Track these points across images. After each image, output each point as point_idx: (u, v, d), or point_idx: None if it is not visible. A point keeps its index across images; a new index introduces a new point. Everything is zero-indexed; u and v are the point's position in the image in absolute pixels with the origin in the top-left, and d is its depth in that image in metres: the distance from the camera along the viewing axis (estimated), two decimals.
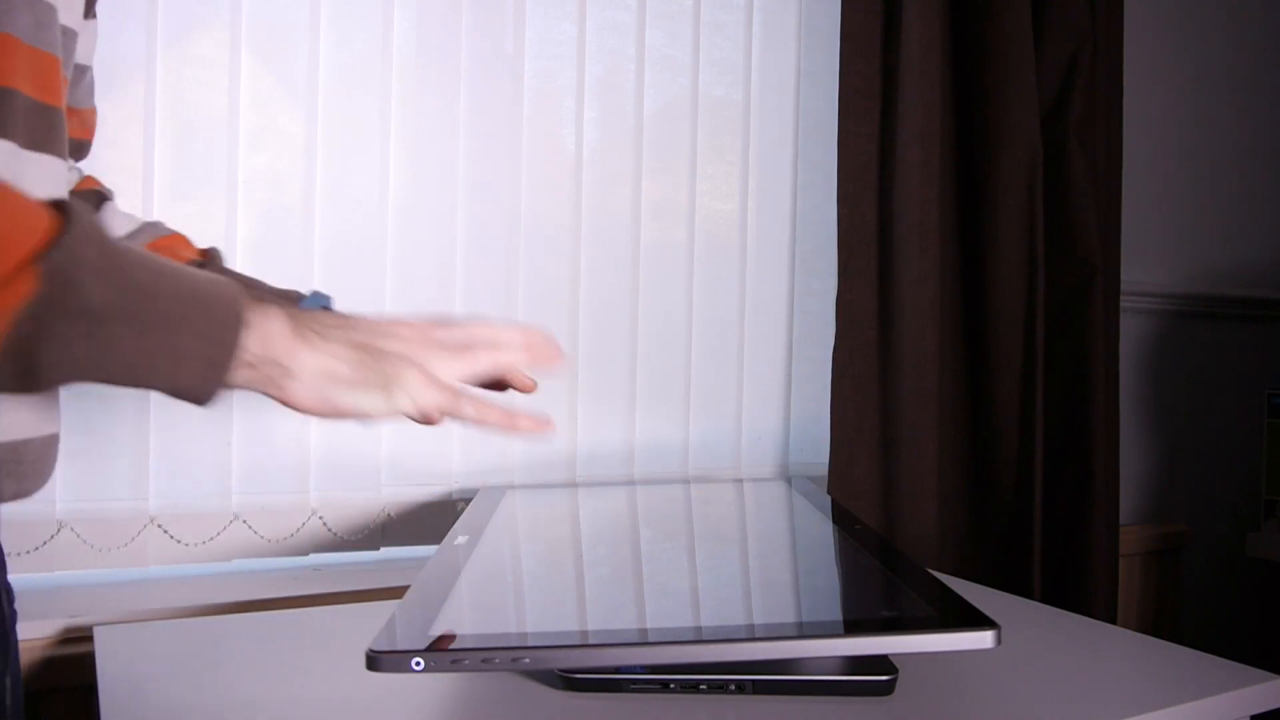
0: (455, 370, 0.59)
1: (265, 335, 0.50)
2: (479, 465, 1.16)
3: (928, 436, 1.28)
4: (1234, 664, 0.76)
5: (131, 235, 0.76)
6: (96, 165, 0.96)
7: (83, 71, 0.74)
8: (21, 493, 0.58)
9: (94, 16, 0.74)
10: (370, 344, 0.55)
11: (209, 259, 0.77)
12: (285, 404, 0.53)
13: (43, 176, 0.57)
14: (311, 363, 0.52)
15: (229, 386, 0.50)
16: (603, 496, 1.05)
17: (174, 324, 0.47)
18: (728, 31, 1.30)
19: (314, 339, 0.53)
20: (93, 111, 0.79)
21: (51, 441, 0.61)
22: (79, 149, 0.79)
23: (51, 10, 0.57)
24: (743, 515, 0.96)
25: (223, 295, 0.49)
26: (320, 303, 0.76)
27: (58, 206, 0.45)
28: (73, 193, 0.76)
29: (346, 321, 0.57)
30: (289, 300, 0.75)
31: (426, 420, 0.56)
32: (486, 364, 0.60)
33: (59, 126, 0.59)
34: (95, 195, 0.77)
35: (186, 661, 0.74)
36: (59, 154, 0.59)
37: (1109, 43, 1.45)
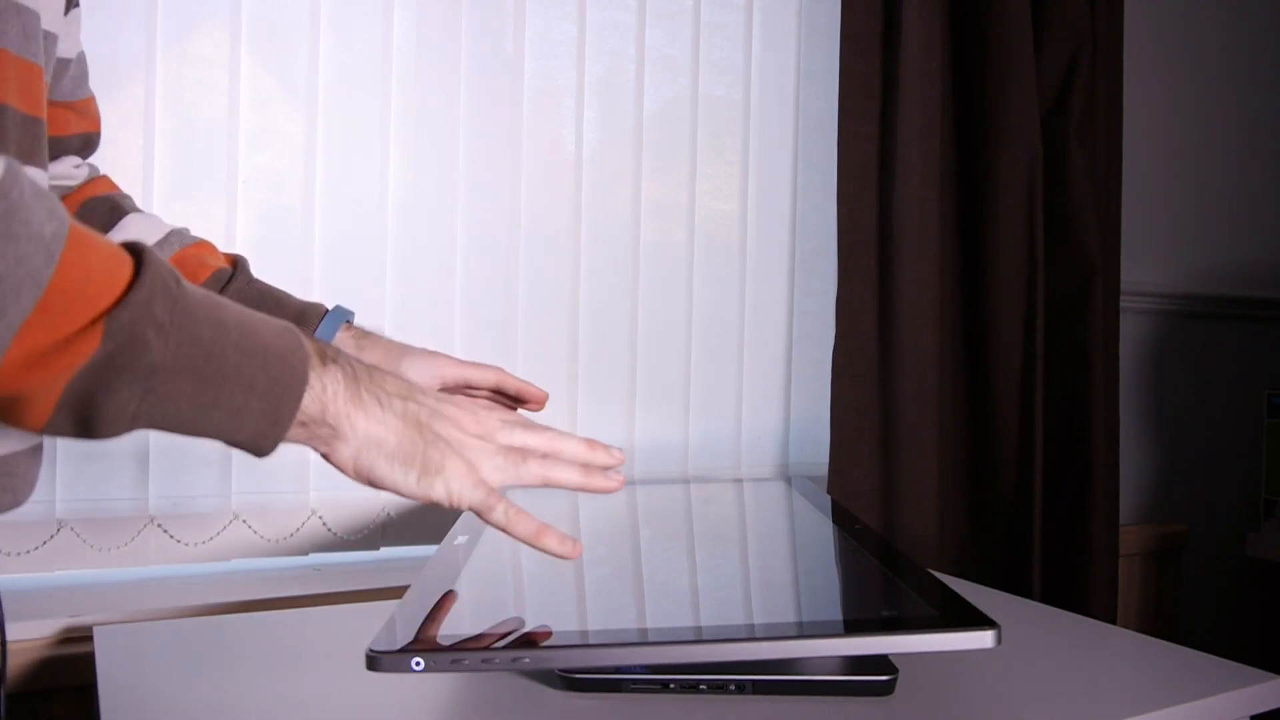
0: (503, 476, 0.58)
1: (324, 398, 0.51)
2: None
3: (927, 436, 1.28)
4: (1234, 664, 0.76)
5: (159, 244, 0.75)
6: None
7: (66, 64, 0.72)
8: (15, 503, 0.58)
9: (76, 6, 0.72)
10: (427, 423, 0.55)
11: (237, 268, 0.76)
12: (326, 459, 0.54)
13: None
14: (362, 429, 0.53)
15: (289, 440, 0.51)
16: (602, 496, 1.05)
17: (236, 382, 0.47)
18: (727, 31, 1.30)
19: (370, 405, 0.53)
20: (91, 100, 0.78)
21: (38, 451, 0.61)
22: (87, 144, 0.78)
23: (35, 17, 0.57)
24: (742, 515, 0.96)
25: (285, 353, 0.49)
26: (343, 317, 0.76)
27: (134, 253, 0.45)
28: (85, 201, 0.75)
29: (411, 392, 0.57)
30: (314, 314, 0.75)
31: (456, 505, 0.57)
32: (535, 478, 0.59)
33: (42, 138, 0.59)
34: (108, 204, 0.76)
35: (186, 661, 0.73)
36: (43, 165, 0.59)
37: (1109, 43, 1.45)
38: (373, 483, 0.54)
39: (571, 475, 0.61)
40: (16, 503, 0.58)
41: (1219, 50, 1.80)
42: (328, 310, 0.76)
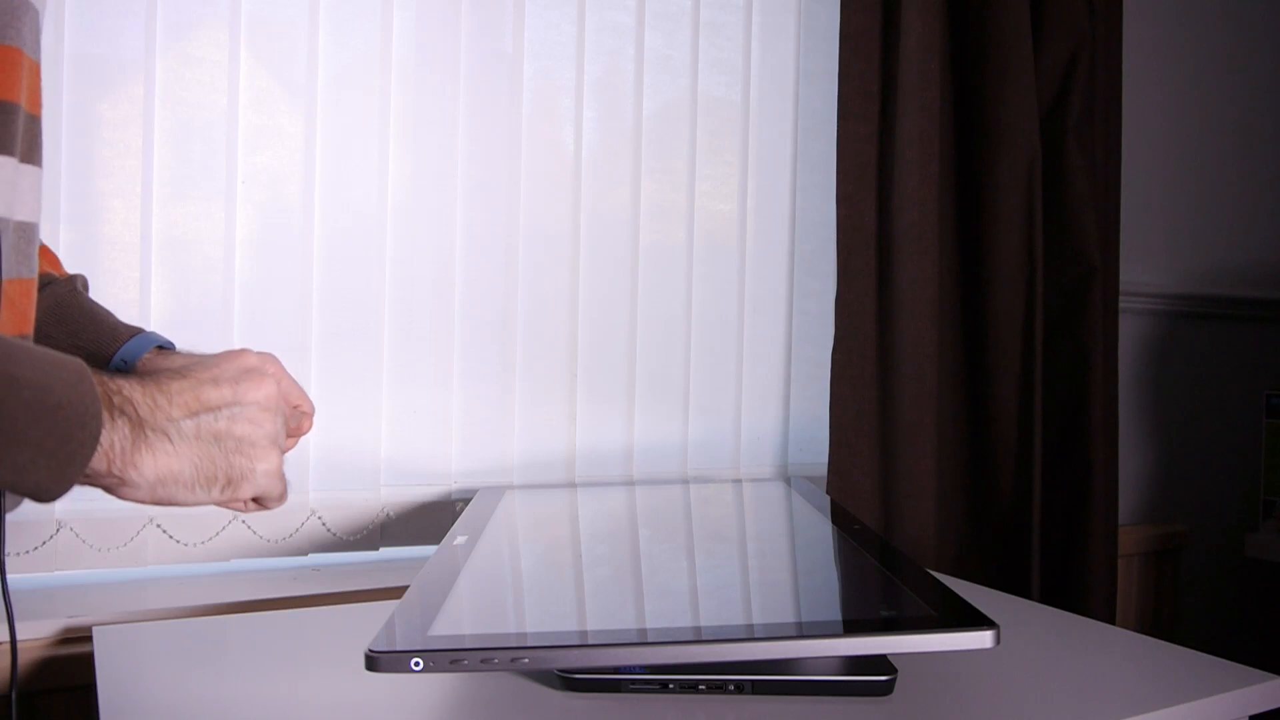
0: (282, 454, 0.60)
1: (110, 454, 0.51)
2: (478, 465, 1.16)
3: (926, 437, 1.28)
4: (1233, 664, 0.76)
5: None
6: (96, 165, 0.97)
7: None
8: (14, 504, 0.58)
9: None
10: (226, 431, 0.55)
11: (69, 286, 0.74)
12: (123, 500, 0.54)
13: (30, 189, 0.57)
14: (150, 472, 0.52)
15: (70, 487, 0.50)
16: (602, 497, 1.05)
17: (23, 441, 0.46)
18: (727, 32, 1.30)
19: (159, 443, 0.53)
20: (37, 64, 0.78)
21: None
22: None
23: (37, 14, 0.57)
24: (742, 515, 0.96)
25: (77, 412, 0.48)
26: (153, 343, 0.72)
27: None
28: None
29: (202, 402, 0.55)
30: (123, 336, 0.72)
31: (256, 502, 0.59)
32: (302, 433, 0.65)
33: (39, 136, 0.59)
34: None
35: (186, 661, 0.73)
36: (40, 164, 0.59)
37: (1108, 43, 1.45)
38: (179, 506, 0.55)
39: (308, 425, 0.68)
40: (15, 504, 0.58)
41: (1219, 50, 1.80)
42: (139, 331, 0.74)
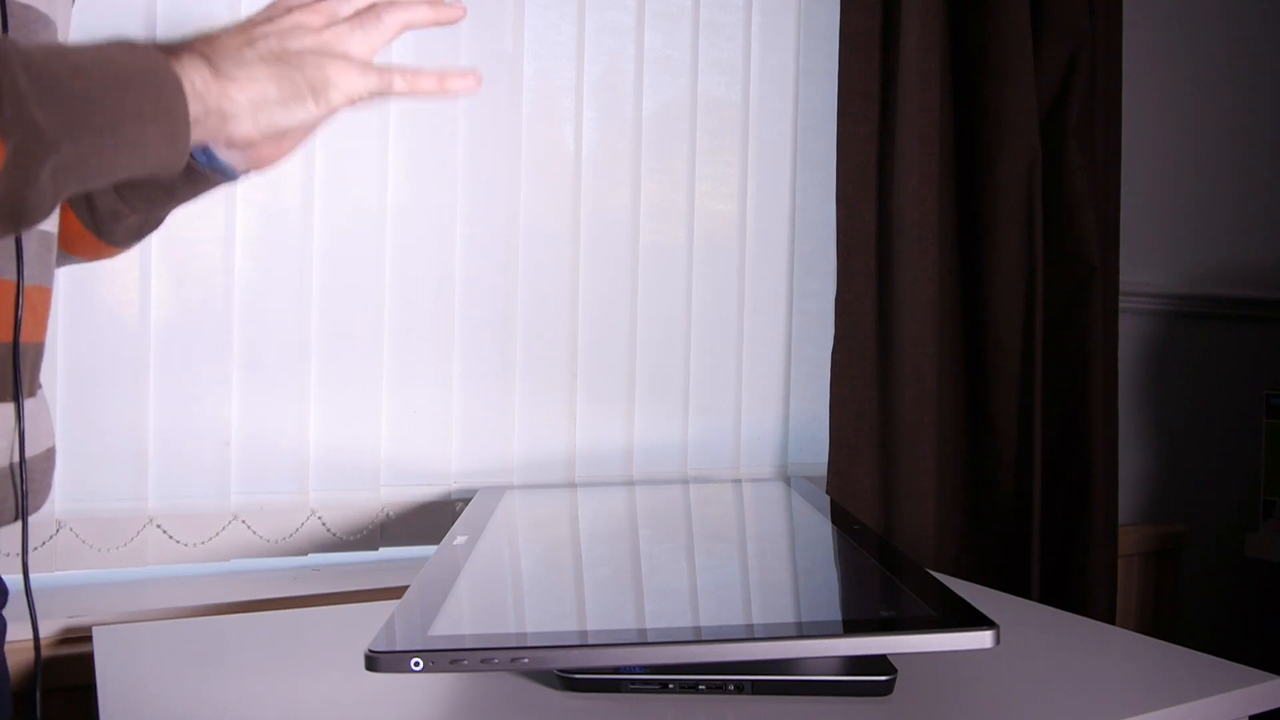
0: (370, 44, 0.57)
1: (199, 91, 0.50)
2: (478, 465, 1.16)
3: (926, 437, 1.28)
4: (1233, 664, 0.76)
5: None
6: None
7: None
8: (32, 508, 0.58)
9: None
10: (284, 51, 0.54)
11: None
12: (231, 144, 0.54)
13: None
14: (243, 97, 0.51)
15: (190, 150, 0.51)
16: (602, 497, 1.05)
17: (126, 119, 0.46)
18: (726, 32, 1.30)
19: (235, 73, 0.52)
20: None
21: (49, 456, 0.61)
22: None
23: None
24: (742, 515, 0.96)
25: (153, 70, 0.48)
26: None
27: None
28: None
29: (250, 35, 0.54)
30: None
31: (358, 102, 0.56)
32: (396, 28, 0.58)
33: None
34: None
35: (185, 661, 0.74)
36: None
37: (1108, 43, 1.45)
38: (284, 130, 0.53)
39: (423, 13, 0.60)
40: (32, 508, 0.59)
41: (1218, 50, 1.80)
42: None
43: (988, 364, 1.36)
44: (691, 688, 0.67)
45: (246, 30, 0.55)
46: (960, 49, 1.36)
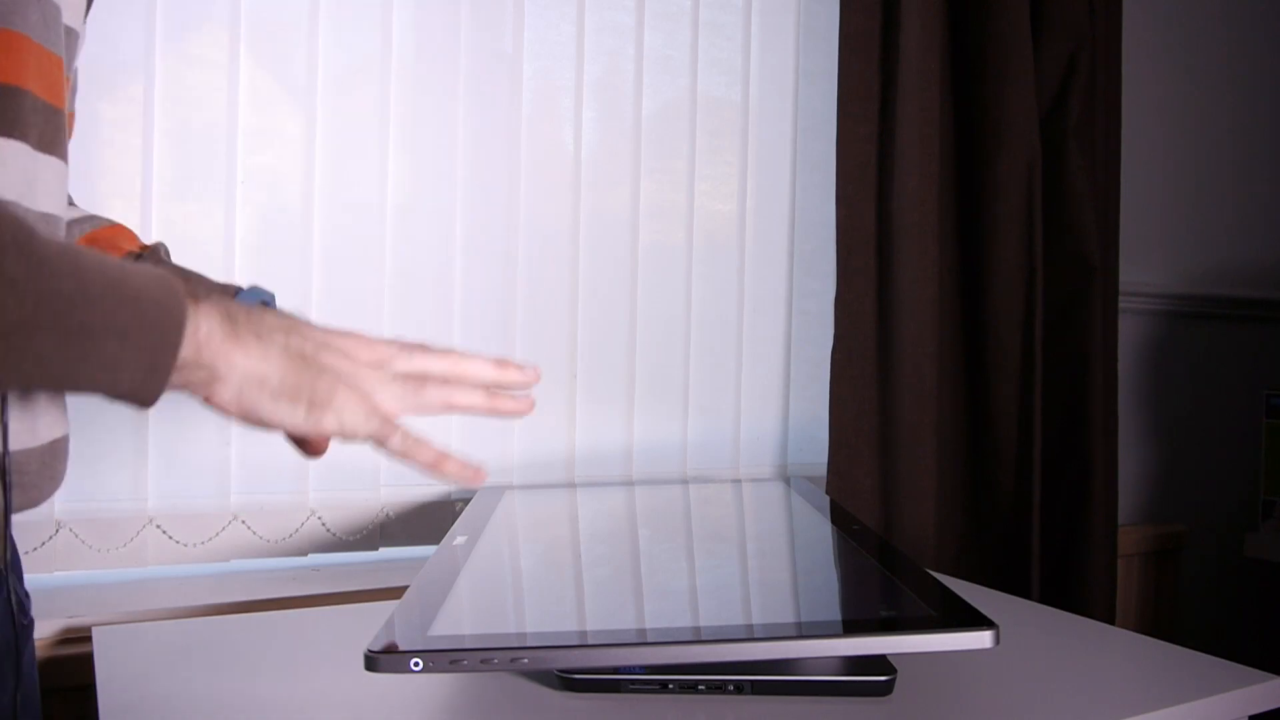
0: (399, 403, 0.56)
1: (198, 339, 0.49)
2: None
3: (926, 437, 1.28)
4: (1232, 664, 0.76)
5: (69, 225, 0.73)
6: (96, 165, 0.97)
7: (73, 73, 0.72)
8: (29, 503, 0.57)
9: (90, 9, 0.73)
10: (312, 356, 0.53)
11: (149, 251, 0.74)
12: (208, 403, 0.52)
13: (53, 179, 0.57)
14: (241, 367, 0.50)
15: (168, 388, 0.49)
16: (601, 497, 1.05)
17: (105, 332, 0.45)
18: (726, 32, 1.30)
19: (249, 341, 0.51)
20: (72, 115, 0.77)
21: (55, 447, 0.60)
22: None
23: (57, 10, 0.56)
24: (741, 515, 0.96)
25: (158, 298, 0.47)
26: (258, 297, 0.72)
27: None
28: None
29: (293, 326, 0.54)
30: (226, 294, 0.71)
31: (349, 437, 0.54)
32: (437, 404, 0.57)
33: (63, 129, 0.58)
34: None
35: (185, 661, 0.73)
36: (64, 157, 0.59)
37: (1108, 43, 1.45)
38: (260, 422, 0.52)
39: (475, 399, 0.59)
40: (29, 502, 0.57)
41: (1218, 50, 1.80)
42: (241, 289, 0.72)
43: (988, 364, 1.36)
44: (691, 688, 0.67)
45: (297, 325, 0.54)
46: (960, 49, 1.36)
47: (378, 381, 0.55)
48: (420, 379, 0.56)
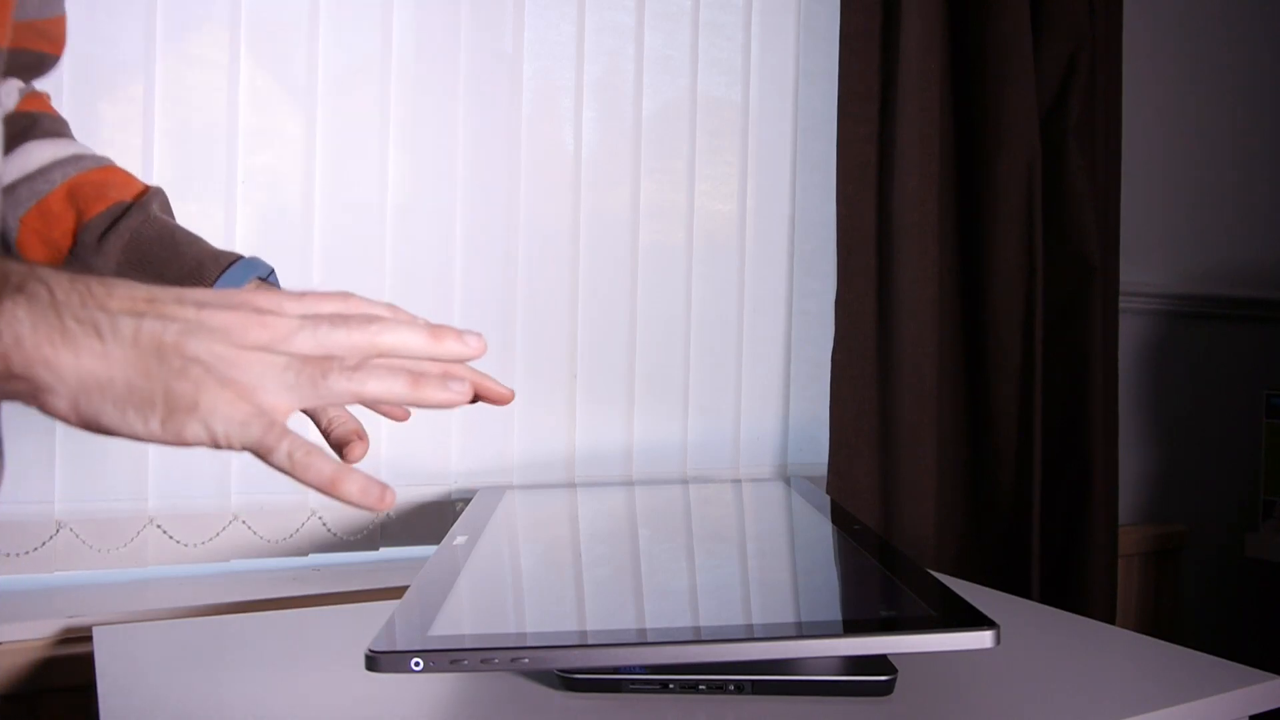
0: (295, 397, 0.43)
1: (3, 348, 0.39)
2: (478, 465, 1.16)
3: (927, 437, 1.28)
4: (1233, 664, 0.76)
5: (55, 166, 0.66)
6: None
7: None
8: None
9: None
10: (173, 345, 0.41)
11: (138, 202, 0.66)
12: (47, 414, 0.42)
13: None
14: (71, 371, 0.40)
15: None
16: (601, 497, 1.05)
17: None
18: (726, 32, 1.30)
19: (82, 337, 0.40)
20: (61, 20, 0.70)
21: None
22: (39, 64, 0.71)
23: None
24: (741, 515, 0.96)
25: None
26: (254, 272, 0.64)
27: None
28: (7, 116, 0.68)
29: (155, 303, 0.42)
30: (215, 263, 0.63)
31: (226, 448, 0.43)
32: (343, 396, 0.44)
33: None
34: (22, 124, 0.68)
35: (186, 661, 0.73)
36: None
37: (1108, 43, 1.45)
38: (109, 434, 0.42)
39: (395, 386, 0.44)
40: None
41: (1219, 50, 1.80)
42: (237, 259, 0.64)
43: (988, 364, 1.36)
44: (691, 688, 0.67)
45: (152, 299, 0.42)
46: (960, 49, 1.36)
47: (265, 370, 0.43)
48: (323, 362, 0.44)
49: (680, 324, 1.27)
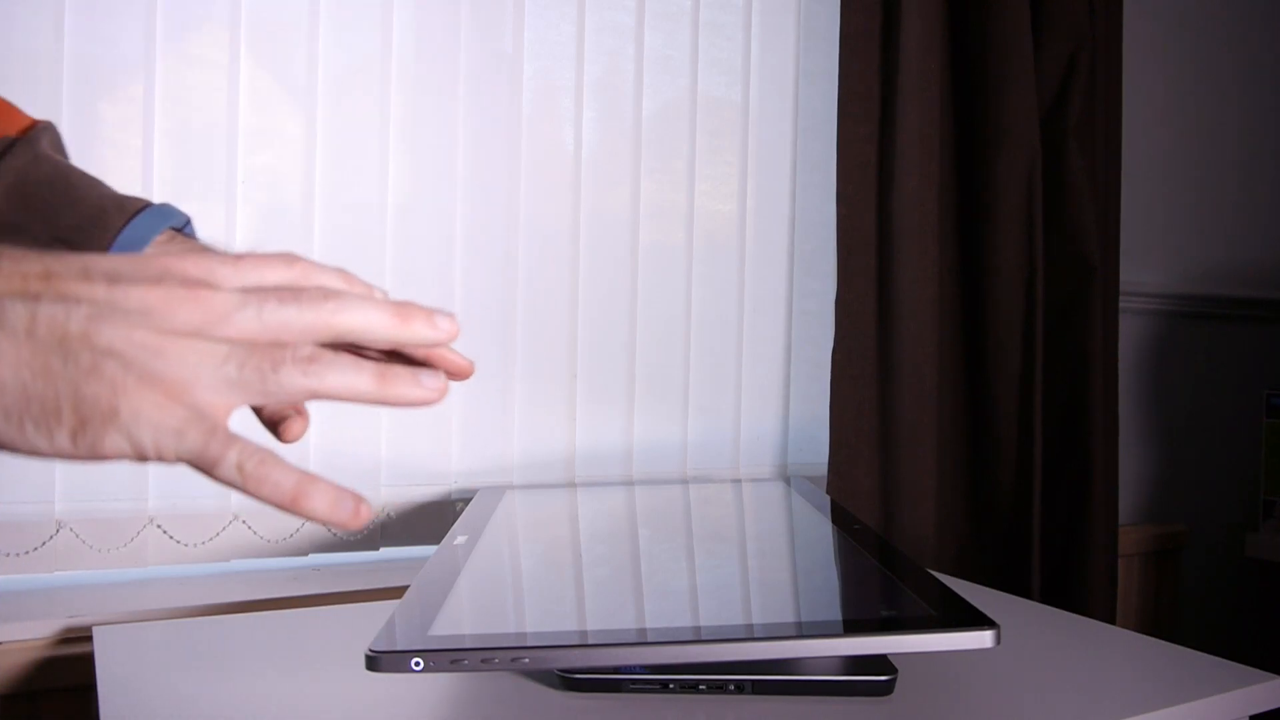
0: (234, 395, 0.35)
1: None
2: (478, 465, 1.16)
3: (927, 437, 1.28)
4: (1233, 664, 0.76)
5: None
6: (96, 165, 0.96)
7: None
8: None
9: None
10: (82, 336, 0.32)
11: (24, 138, 0.55)
12: None
13: None
14: None
15: None
16: (602, 496, 1.05)
17: None
18: (727, 32, 1.30)
19: None
20: None
21: None
22: None
23: None
24: (742, 515, 0.96)
25: None
26: (165, 222, 0.53)
27: None
28: None
29: (52, 281, 0.33)
30: (119, 210, 0.53)
31: (156, 460, 0.34)
32: (296, 392, 0.36)
33: None
34: None
35: (186, 661, 0.73)
36: None
37: (1108, 43, 1.45)
38: (12, 452, 0.33)
39: (360, 381, 0.37)
40: None
41: (1219, 51, 1.80)
42: (146, 205, 0.53)
43: (988, 364, 1.36)
44: (692, 688, 0.67)
45: (49, 276, 0.33)
46: (960, 49, 1.36)
47: (200, 361, 0.34)
48: (274, 350, 0.35)
49: (680, 324, 1.28)
